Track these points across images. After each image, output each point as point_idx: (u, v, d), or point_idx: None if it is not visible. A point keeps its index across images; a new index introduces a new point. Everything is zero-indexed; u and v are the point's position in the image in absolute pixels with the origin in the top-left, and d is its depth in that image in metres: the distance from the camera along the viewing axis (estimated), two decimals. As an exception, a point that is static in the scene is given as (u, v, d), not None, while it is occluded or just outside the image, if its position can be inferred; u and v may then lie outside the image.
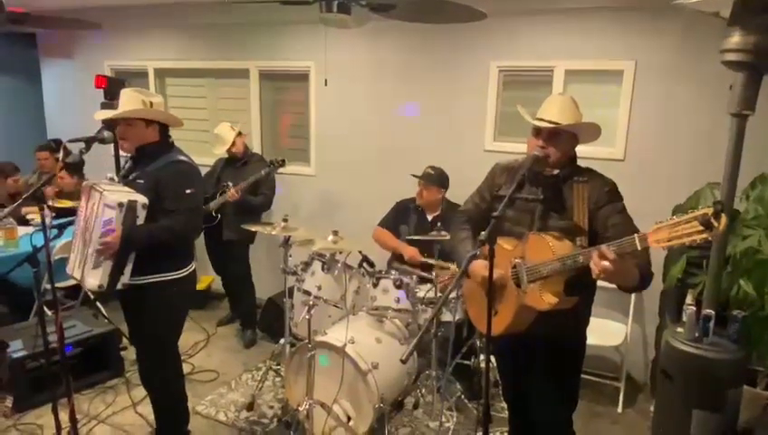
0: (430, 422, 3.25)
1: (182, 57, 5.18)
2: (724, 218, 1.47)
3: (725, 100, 2.71)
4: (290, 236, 3.33)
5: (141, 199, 2.39)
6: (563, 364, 2.18)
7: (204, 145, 4.27)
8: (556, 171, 2.06)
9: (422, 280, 3.29)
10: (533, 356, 2.16)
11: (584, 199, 2.02)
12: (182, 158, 2.59)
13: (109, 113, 2.59)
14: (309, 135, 4.75)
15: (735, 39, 2.53)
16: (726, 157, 2.72)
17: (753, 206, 2.98)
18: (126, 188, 2.46)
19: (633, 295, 3.57)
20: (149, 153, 2.56)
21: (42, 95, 6.25)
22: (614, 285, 1.90)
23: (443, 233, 3.18)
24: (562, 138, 2.04)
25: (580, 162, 2.15)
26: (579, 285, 1.96)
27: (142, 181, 2.48)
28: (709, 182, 3.13)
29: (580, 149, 2.15)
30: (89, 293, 4.12)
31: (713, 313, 2.76)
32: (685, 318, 2.84)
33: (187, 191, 2.49)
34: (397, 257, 3.74)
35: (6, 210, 2.48)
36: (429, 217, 3.76)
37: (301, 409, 2.86)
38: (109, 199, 2.33)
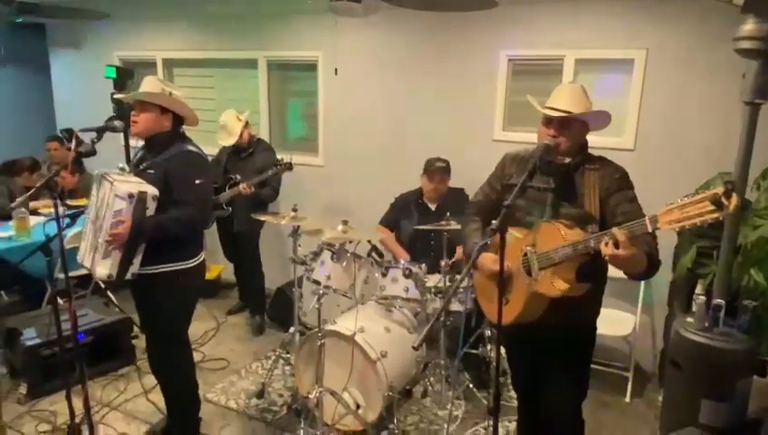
0: (439, 411, 3.27)
1: (190, 47, 5.18)
2: (734, 198, 1.46)
3: (738, 89, 2.69)
4: (299, 226, 3.35)
5: (152, 191, 2.40)
6: (574, 353, 2.18)
7: (212, 135, 4.28)
8: (567, 160, 2.05)
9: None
10: (544, 345, 2.17)
11: (595, 187, 2.02)
12: (192, 148, 2.59)
13: (129, 94, 2.60)
14: (317, 125, 4.75)
15: (749, 27, 2.50)
16: (739, 146, 2.70)
17: (764, 195, 2.96)
18: (136, 179, 2.47)
19: (642, 286, 3.57)
20: (160, 143, 2.57)
21: (51, 86, 6.28)
22: (623, 274, 1.90)
23: (452, 222, 3.19)
24: (573, 126, 2.03)
25: (589, 152, 2.14)
26: (590, 272, 1.96)
27: (152, 171, 2.49)
28: (720, 172, 3.11)
29: (590, 140, 2.14)
30: (99, 282, 4.15)
31: (723, 302, 2.76)
32: (695, 308, 2.84)
33: (197, 182, 2.50)
34: None
35: (19, 200, 2.49)
36: (432, 208, 3.76)
37: (311, 396, 2.89)
38: (119, 190, 2.35)
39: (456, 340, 3.39)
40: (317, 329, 2.88)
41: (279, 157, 4.07)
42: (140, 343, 3.80)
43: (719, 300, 2.77)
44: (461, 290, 3.36)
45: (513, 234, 2.07)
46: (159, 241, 2.45)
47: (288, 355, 3.65)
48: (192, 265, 2.62)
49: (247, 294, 4.60)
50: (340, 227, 3.14)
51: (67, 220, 2.58)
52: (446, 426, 3.10)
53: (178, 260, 2.57)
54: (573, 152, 2.07)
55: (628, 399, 3.47)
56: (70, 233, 3.64)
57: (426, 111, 4.26)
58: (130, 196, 2.33)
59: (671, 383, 2.94)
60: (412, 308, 3.30)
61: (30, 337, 3.35)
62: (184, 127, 2.68)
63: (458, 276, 3.45)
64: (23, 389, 3.33)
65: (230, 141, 4.11)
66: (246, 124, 4.17)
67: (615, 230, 1.70)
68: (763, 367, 2.90)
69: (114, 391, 3.44)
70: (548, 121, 2.04)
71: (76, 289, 4.21)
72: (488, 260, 2.09)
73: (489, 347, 3.43)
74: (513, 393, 2.90)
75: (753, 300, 2.79)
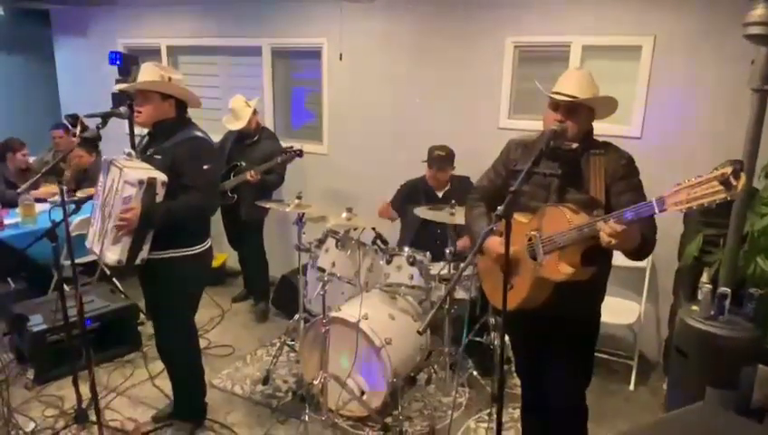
0: (443, 398, 3.29)
1: (194, 34, 5.16)
2: (742, 177, 1.45)
3: (746, 76, 2.66)
4: (304, 214, 3.35)
5: (161, 177, 2.40)
6: (578, 339, 2.19)
7: (216, 123, 4.27)
8: (575, 145, 2.04)
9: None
10: (548, 331, 2.16)
11: (600, 172, 2.01)
12: (199, 134, 2.59)
13: (126, 85, 2.60)
14: (321, 113, 4.74)
15: (759, 12, 2.47)
16: (746, 133, 2.68)
17: (772, 183, 2.94)
18: (145, 165, 2.47)
19: (647, 274, 3.56)
20: (166, 129, 2.57)
21: (55, 73, 6.28)
22: (628, 263, 1.89)
23: (457, 208, 3.18)
24: (580, 112, 2.02)
25: (594, 138, 2.13)
26: (595, 257, 1.95)
27: (159, 157, 2.49)
28: (729, 159, 3.07)
29: (596, 128, 2.13)
30: (105, 268, 4.17)
31: (729, 291, 2.75)
32: (700, 296, 2.83)
33: (205, 167, 2.50)
34: None
35: (25, 185, 2.51)
36: (440, 194, 3.75)
37: (315, 383, 2.90)
38: (129, 176, 2.35)
39: (461, 327, 3.39)
40: (322, 316, 2.89)
41: (287, 145, 4.06)
42: (146, 329, 3.84)
43: (725, 288, 2.76)
44: (466, 277, 3.35)
45: (518, 219, 2.06)
46: (168, 227, 2.46)
47: (293, 342, 3.66)
48: (199, 250, 2.63)
49: (252, 282, 4.61)
50: (344, 215, 3.14)
51: (72, 207, 2.60)
52: (450, 413, 3.11)
53: (186, 246, 2.58)
54: (579, 138, 2.06)
55: (632, 387, 3.48)
56: (76, 219, 3.66)
57: (431, 98, 4.24)
58: (140, 182, 2.34)
59: (676, 371, 2.94)
60: (416, 296, 3.30)
61: (37, 323, 3.37)
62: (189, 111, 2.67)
63: (462, 264, 3.48)
64: (30, 374, 3.36)
65: (238, 125, 4.10)
66: (255, 111, 4.16)
67: (612, 222, 1.72)
68: (768, 355, 2.89)
69: (120, 376, 3.47)
70: (555, 106, 2.03)
71: (81, 276, 4.23)
72: (495, 243, 2.09)
73: (493, 335, 3.44)
74: (517, 381, 2.91)
75: (759, 288, 2.78)
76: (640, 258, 1.97)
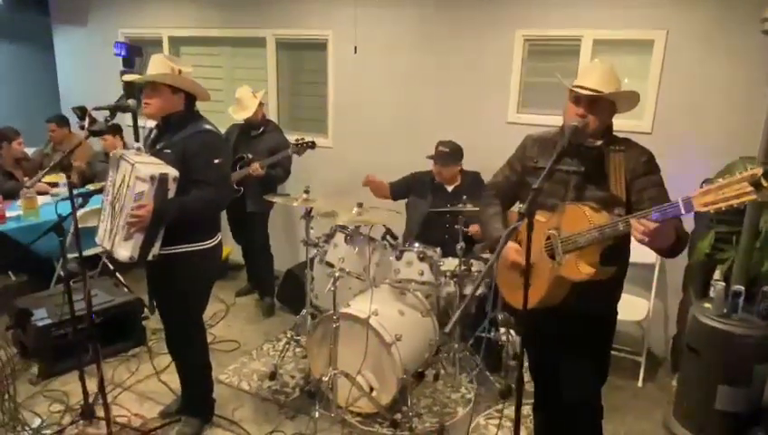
0: (451, 394, 3.27)
1: (197, 25, 5.09)
2: None
3: (761, 71, 2.63)
4: (311, 208, 3.31)
5: (173, 173, 2.37)
6: (596, 337, 2.16)
7: (220, 115, 4.21)
8: (598, 142, 2.01)
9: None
10: (565, 329, 2.14)
11: (621, 168, 1.98)
12: (208, 127, 2.55)
13: (136, 76, 2.55)
14: (327, 106, 4.69)
15: (779, 7, 2.44)
16: (763, 130, 2.65)
17: (786, 181, 2.92)
18: (155, 160, 2.43)
19: (656, 271, 3.54)
20: (175, 123, 2.52)
21: (54, 63, 6.20)
22: (636, 259, 1.86)
23: (468, 205, 3.15)
24: (602, 106, 1.98)
25: (614, 134, 2.10)
26: (614, 256, 1.93)
27: (169, 151, 2.45)
28: (741, 157, 3.06)
29: (605, 122, 2.09)
30: (107, 263, 4.14)
31: (742, 288, 2.74)
32: (713, 294, 2.82)
33: (216, 161, 2.46)
34: None
35: (34, 179, 2.47)
36: (450, 189, 3.71)
37: (325, 379, 2.88)
38: (141, 172, 2.31)
39: (469, 324, 3.37)
40: (331, 311, 2.86)
41: (295, 138, 4.02)
42: (151, 323, 3.80)
43: (738, 286, 2.75)
44: (475, 274, 3.33)
45: (536, 217, 2.03)
46: (179, 222, 2.42)
47: (299, 338, 3.64)
48: (209, 246, 2.60)
49: (256, 277, 4.58)
50: (355, 210, 3.10)
51: (79, 200, 2.56)
52: (459, 409, 3.09)
53: (196, 241, 2.55)
54: (600, 133, 2.02)
55: (640, 383, 3.47)
56: (81, 211, 3.61)
57: (438, 92, 4.19)
58: (152, 178, 2.30)
59: (687, 368, 2.93)
60: (425, 292, 3.27)
61: (41, 317, 3.33)
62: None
63: (473, 260, 3.45)
64: (34, 369, 3.33)
65: (244, 115, 4.04)
66: (261, 104, 4.11)
67: (644, 220, 1.67)
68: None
69: (125, 371, 3.44)
70: (576, 100, 1.99)
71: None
72: (511, 251, 2.06)
73: (502, 331, 3.42)
74: (527, 377, 2.88)
75: (773, 286, 2.77)
76: (674, 255, 1.94)
